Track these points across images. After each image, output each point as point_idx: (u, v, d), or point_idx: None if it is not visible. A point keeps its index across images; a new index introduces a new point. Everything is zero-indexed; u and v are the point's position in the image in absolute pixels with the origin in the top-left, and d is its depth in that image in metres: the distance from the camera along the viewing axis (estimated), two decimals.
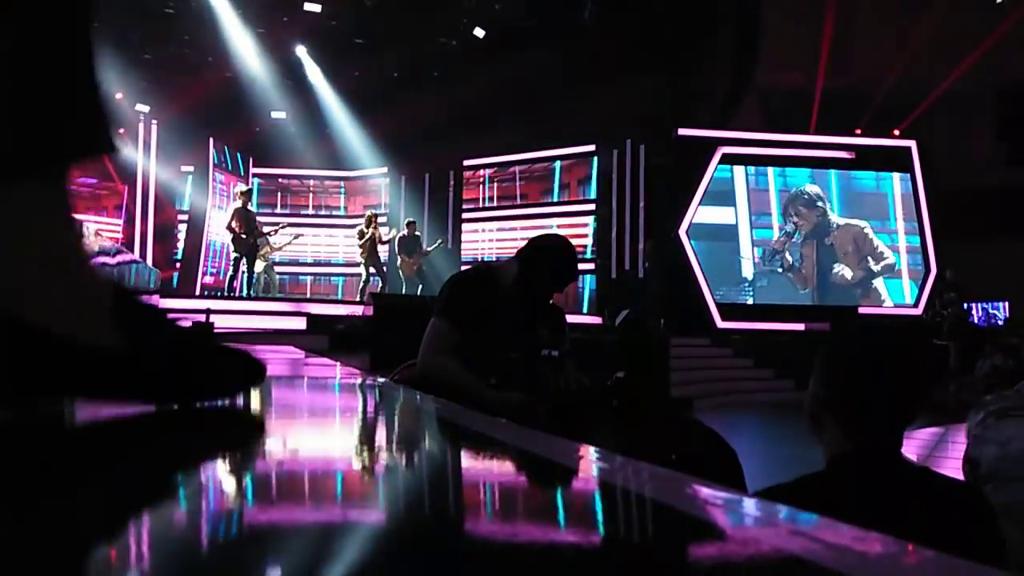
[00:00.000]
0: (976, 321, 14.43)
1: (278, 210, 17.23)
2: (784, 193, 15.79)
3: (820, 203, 15.86)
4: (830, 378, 1.51)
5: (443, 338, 2.62)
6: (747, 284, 15.38)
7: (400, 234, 13.47)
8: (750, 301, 15.16)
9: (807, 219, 15.91)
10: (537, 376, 2.63)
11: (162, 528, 0.53)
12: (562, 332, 2.80)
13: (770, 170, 15.52)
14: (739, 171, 15.40)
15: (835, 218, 15.87)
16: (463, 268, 3.04)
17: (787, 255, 15.76)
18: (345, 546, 0.49)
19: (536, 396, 2.55)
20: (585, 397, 2.52)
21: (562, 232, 15.58)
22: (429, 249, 13.67)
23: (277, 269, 14.84)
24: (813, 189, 15.87)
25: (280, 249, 14.29)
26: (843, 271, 15.83)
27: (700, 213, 14.86)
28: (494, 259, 16.17)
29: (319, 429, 1.17)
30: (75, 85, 0.88)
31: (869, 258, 15.76)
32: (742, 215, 15.62)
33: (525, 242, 2.90)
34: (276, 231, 13.61)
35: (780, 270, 15.65)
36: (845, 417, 1.48)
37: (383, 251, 13.37)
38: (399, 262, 13.23)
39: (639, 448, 1.94)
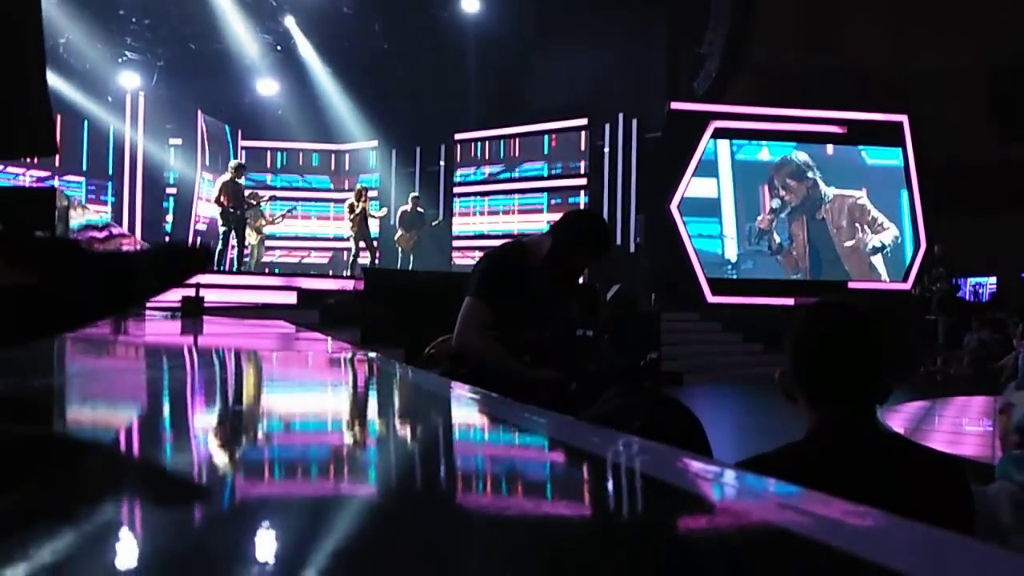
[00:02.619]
0: (964, 296, 14.51)
1: (267, 183, 17.11)
2: (770, 164, 14.73)
3: (810, 173, 14.78)
4: (796, 355, 1.54)
5: (478, 316, 2.66)
6: (730, 266, 14.55)
7: (403, 208, 13.50)
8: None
9: (796, 192, 14.73)
10: (570, 355, 2.67)
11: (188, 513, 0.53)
12: (595, 312, 2.84)
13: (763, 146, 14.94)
14: (723, 143, 14.61)
15: (827, 189, 14.82)
16: (496, 246, 3.06)
17: (774, 235, 14.67)
18: (346, 517, 0.49)
19: (569, 374, 2.60)
20: (617, 376, 2.55)
21: (554, 206, 15.59)
22: (432, 224, 13.83)
23: (269, 243, 14.72)
24: (801, 156, 14.84)
25: (274, 223, 14.07)
26: (844, 244, 14.57)
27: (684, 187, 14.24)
28: (486, 231, 16.17)
29: (314, 401, 1.17)
30: (19, 90, 0.90)
31: (866, 230, 14.80)
32: (725, 190, 14.65)
33: (560, 216, 2.94)
34: (266, 200, 13.33)
35: (768, 251, 14.60)
36: (815, 393, 1.52)
37: (373, 225, 13.32)
38: (398, 235, 13.25)
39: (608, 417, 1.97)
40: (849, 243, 14.87)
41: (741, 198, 14.76)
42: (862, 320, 1.51)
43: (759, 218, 14.73)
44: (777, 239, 14.73)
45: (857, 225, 14.94)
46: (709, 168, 14.58)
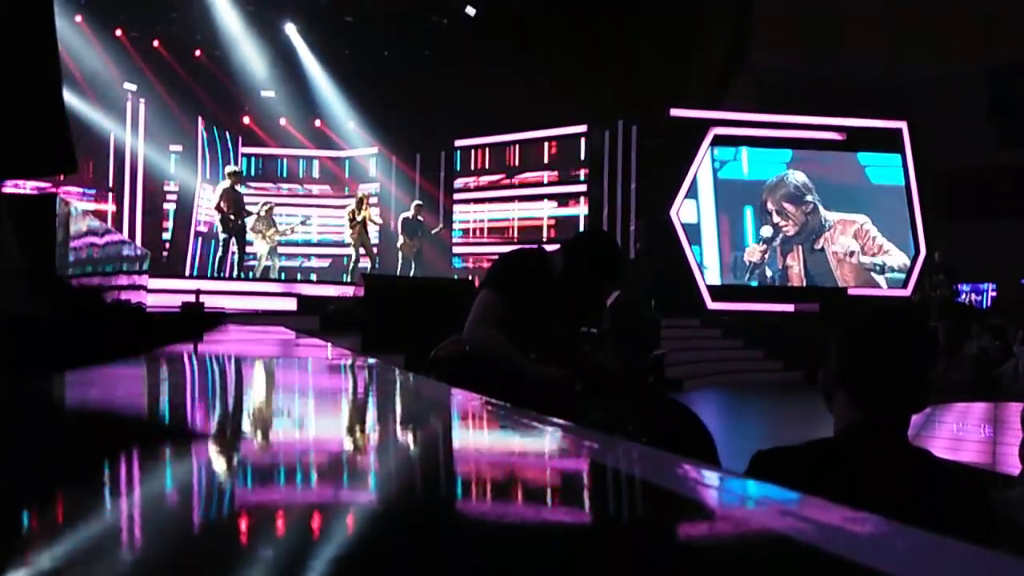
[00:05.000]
0: (964, 302, 14.50)
1: (267, 190, 17.12)
2: (764, 185, 13.20)
3: (809, 196, 13.56)
4: (847, 355, 1.56)
5: (492, 310, 2.67)
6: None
7: (404, 215, 13.54)
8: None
9: (793, 218, 13.37)
10: (576, 353, 2.68)
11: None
12: (600, 312, 2.84)
13: (744, 154, 14.12)
14: (704, 160, 13.58)
15: (827, 214, 13.60)
16: (518, 247, 3.06)
17: (765, 268, 13.47)
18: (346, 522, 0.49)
19: (574, 372, 2.61)
20: (623, 374, 2.55)
21: (554, 213, 15.62)
22: (432, 233, 13.90)
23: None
24: (799, 178, 13.63)
25: (288, 233, 13.98)
26: (846, 275, 12.76)
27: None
28: (486, 239, 16.18)
29: (313, 408, 1.17)
30: (39, 108, 0.92)
31: (873, 259, 13.80)
32: (706, 213, 13.49)
33: (572, 237, 2.93)
34: (268, 209, 13.29)
35: (757, 286, 13.35)
36: (857, 393, 1.53)
37: (373, 232, 13.36)
38: (400, 241, 13.29)
39: (618, 424, 1.98)
40: (852, 275, 13.64)
41: (725, 221, 13.80)
42: (920, 326, 1.59)
43: (748, 249, 13.60)
44: (769, 273, 13.56)
45: (862, 254, 13.81)
46: (689, 188, 13.83)
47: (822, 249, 13.72)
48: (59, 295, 0.96)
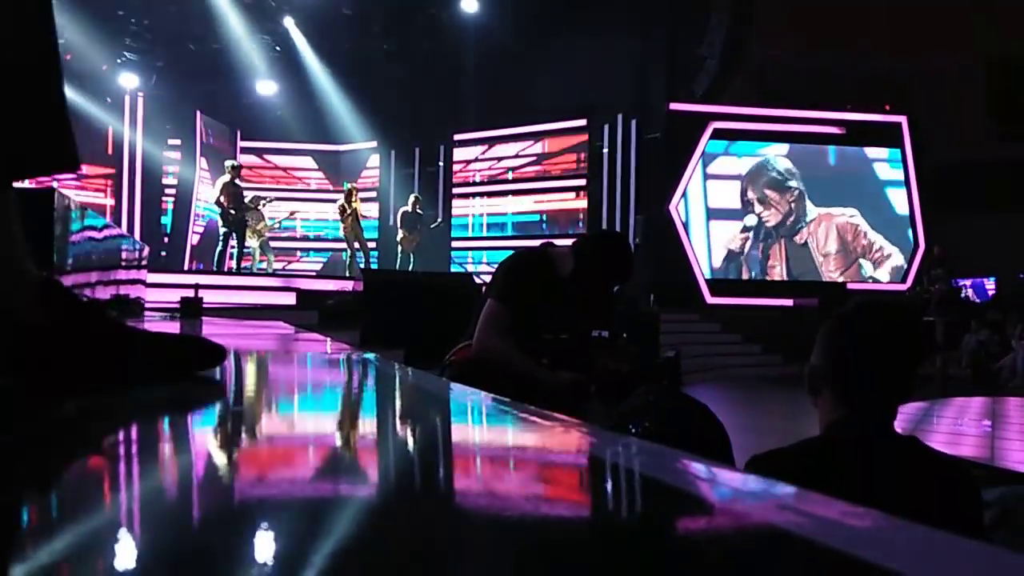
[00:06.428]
0: (963, 297, 14.50)
1: (266, 184, 17.10)
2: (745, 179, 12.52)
3: (794, 183, 13.10)
4: (831, 350, 1.55)
5: (499, 320, 2.67)
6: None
7: (403, 208, 13.52)
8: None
9: (776, 206, 12.91)
10: (588, 357, 2.68)
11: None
12: (610, 313, 2.84)
13: (734, 147, 13.91)
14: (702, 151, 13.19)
15: (813, 207, 13.19)
16: (522, 248, 3.04)
17: (744, 262, 13.07)
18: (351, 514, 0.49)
19: (587, 376, 2.61)
20: (636, 376, 2.55)
21: (553, 207, 15.59)
22: (431, 227, 13.84)
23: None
24: (783, 163, 13.22)
25: (275, 227, 13.99)
26: (832, 274, 12.09)
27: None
28: (485, 233, 16.17)
29: (311, 403, 1.17)
30: (40, 105, 0.92)
31: (862, 258, 13.42)
32: (695, 213, 13.05)
33: (583, 237, 2.90)
34: (268, 202, 13.25)
35: (738, 282, 13.12)
36: (843, 389, 1.52)
37: (366, 223, 13.32)
38: (399, 236, 13.26)
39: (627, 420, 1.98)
40: (838, 273, 13.11)
41: (715, 224, 13.55)
42: (905, 321, 1.55)
43: (730, 237, 13.36)
44: (749, 270, 13.22)
45: (850, 251, 13.28)
46: (688, 182, 13.63)
47: (805, 244, 13.43)
48: (65, 308, 0.96)
